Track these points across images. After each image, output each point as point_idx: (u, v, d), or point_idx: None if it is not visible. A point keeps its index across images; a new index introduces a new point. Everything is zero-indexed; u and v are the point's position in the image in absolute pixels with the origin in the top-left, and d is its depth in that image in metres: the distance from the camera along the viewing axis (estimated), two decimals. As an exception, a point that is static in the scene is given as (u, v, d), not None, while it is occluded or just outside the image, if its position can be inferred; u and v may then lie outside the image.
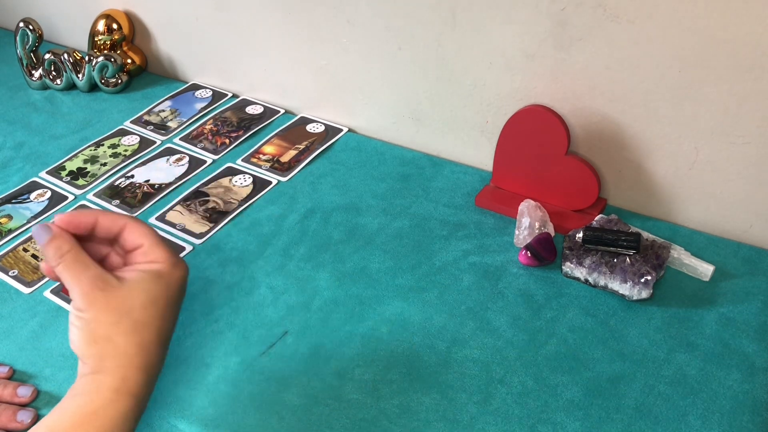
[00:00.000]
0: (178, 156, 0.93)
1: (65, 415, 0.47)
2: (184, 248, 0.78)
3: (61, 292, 0.74)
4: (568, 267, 0.70)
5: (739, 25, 0.63)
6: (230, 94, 1.05)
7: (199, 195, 0.86)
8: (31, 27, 1.06)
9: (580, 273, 0.70)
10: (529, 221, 0.74)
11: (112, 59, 1.05)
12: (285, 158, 0.91)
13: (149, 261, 0.52)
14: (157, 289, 0.51)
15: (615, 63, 0.71)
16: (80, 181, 0.90)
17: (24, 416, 0.61)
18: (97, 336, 0.48)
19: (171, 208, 0.84)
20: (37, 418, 0.61)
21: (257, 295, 0.72)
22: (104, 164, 0.93)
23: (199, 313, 0.70)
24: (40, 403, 0.63)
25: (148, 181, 0.89)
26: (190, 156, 0.93)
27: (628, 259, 0.68)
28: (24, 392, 0.63)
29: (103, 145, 0.96)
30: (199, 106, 1.03)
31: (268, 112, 1.01)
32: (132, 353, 0.48)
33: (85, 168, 0.92)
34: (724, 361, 0.62)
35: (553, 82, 0.76)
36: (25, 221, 0.84)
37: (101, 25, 1.08)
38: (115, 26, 1.08)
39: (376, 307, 0.70)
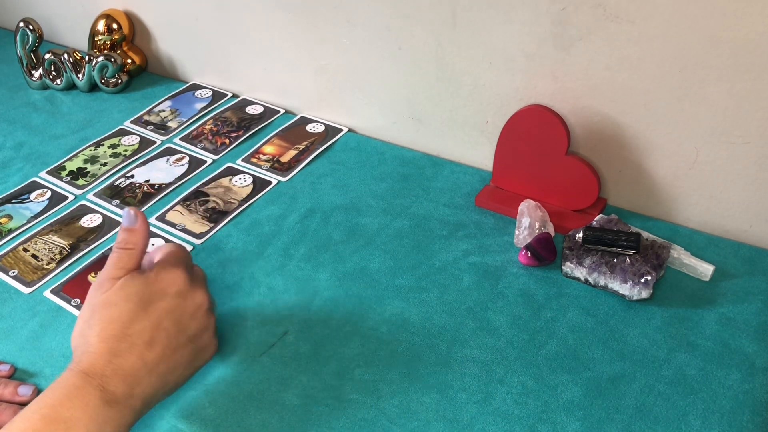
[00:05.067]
0: (178, 156, 0.93)
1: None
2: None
3: (61, 292, 0.74)
4: (568, 267, 0.70)
5: (739, 25, 0.63)
6: (230, 94, 1.05)
7: (199, 195, 0.86)
8: (31, 27, 1.06)
9: (580, 273, 0.70)
10: (529, 221, 0.74)
11: (112, 59, 1.05)
12: (285, 158, 0.91)
13: None
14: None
15: (615, 63, 0.71)
16: (80, 181, 0.90)
17: (24, 416, 0.61)
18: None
19: (171, 208, 0.84)
20: (37, 418, 0.61)
21: (257, 295, 0.72)
22: (104, 164, 0.93)
23: (199, 313, 0.70)
24: (40, 403, 0.63)
25: (148, 181, 0.89)
26: (190, 156, 0.93)
27: (628, 259, 0.68)
28: (25, 391, 0.63)
29: (103, 145, 0.96)
30: (199, 106, 1.03)
31: (268, 112, 1.01)
32: (91, 341, 0.53)
33: (85, 168, 0.92)
34: (724, 361, 0.62)
35: (553, 82, 0.76)
36: (25, 221, 0.84)
37: (101, 25, 1.08)
38: (115, 26, 1.08)
39: (376, 307, 0.70)
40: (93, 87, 1.09)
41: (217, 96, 1.05)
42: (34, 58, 1.09)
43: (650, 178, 0.77)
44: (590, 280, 0.69)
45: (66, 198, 0.87)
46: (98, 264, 0.77)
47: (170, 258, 0.59)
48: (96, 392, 0.49)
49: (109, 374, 0.50)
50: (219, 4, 0.97)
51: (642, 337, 0.65)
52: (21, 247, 0.80)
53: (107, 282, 0.56)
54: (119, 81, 1.07)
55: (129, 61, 1.10)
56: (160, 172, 0.90)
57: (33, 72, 1.09)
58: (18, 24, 1.07)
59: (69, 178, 0.91)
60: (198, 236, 0.80)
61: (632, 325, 0.66)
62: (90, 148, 0.96)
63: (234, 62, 1.03)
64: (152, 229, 0.81)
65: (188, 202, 0.85)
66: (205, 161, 0.92)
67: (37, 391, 0.63)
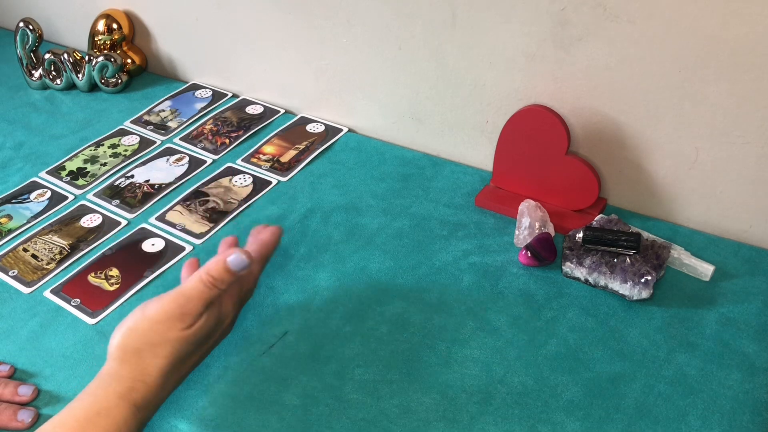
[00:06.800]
0: (178, 156, 0.93)
1: (72, 413, 0.49)
2: (184, 248, 0.78)
3: (61, 292, 0.74)
4: (568, 267, 0.70)
5: (739, 25, 0.63)
6: (230, 94, 1.05)
7: (199, 195, 0.86)
8: (31, 27, 1.06)
9: (580, 273, 0.70)
10: (529, 221, 0.74)
11: (112, 59, 1.05)
12: (285, 158, 0.91)
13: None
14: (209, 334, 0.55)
15: (615, 63, 0.71)
16: (80, 181, 0.90)
17: (25, 415, 0.61)
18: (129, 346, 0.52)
19: (171, 208, 0.84)
20: (38, 418, 0.61)
21: (257, 295, 0.72)
22: (104, 164, 0.93)
23: (199, 313, 0.70)
24: (40, 402, 0.63)
25: (148, 181, 0.89)
26: (190, 156, 0.93)
27: (628, 259, 0.68)
28: (25, 391, 0.63)
29: (103, 145, 0.96)
30: (199, 106, 1.03)
31: (268, 112, 1.01)
32: (149, 372, 0.51)
33: (85, 168, 0.92)
34: (724, 361, 0.62)
35: (553, 82, 0.76)
36: (25, 221, 0.84)
37: (101, 25, 1.08)
38: (115, 26, 1.08)
39: (376, 307, 0.70)
40: (93, 87, 1.09)
41: (217, 96, 1.05)
42: (34, 58, 1.09)
43: (650, 178, 0.77)
44: (590, 280, 0.69)
45: (66, 198, 0.87)
46: (98, 264, 0.77)
47: (236, 292, 0.59)
48: (138, 424, 0.51)
49: (153, 406, 0.52)
50: (219, 4, 0.98)
51: (642, 337, 0.65)
52: (21, 247, 0.80)
53: (190, 317, 0.53)
54: (119, 81, 1.07)
55: (129, 61, 1.10)
56: (160, 172, 0.90)
57: (33, 72, 1.09)
58: (18, 24, 1.07)
59: (69, 178, 0.91)
60: (198, 236, 0.80)
61: (632, 325, 0.66)
62: (90, 148, 0.96)
63: (234, 62, 1.03)
64: (152, 229, 0.81)
65: (188, 202, 0.85)
66: (205, 161, 0.92)
67: (38, 391, 0.63)
